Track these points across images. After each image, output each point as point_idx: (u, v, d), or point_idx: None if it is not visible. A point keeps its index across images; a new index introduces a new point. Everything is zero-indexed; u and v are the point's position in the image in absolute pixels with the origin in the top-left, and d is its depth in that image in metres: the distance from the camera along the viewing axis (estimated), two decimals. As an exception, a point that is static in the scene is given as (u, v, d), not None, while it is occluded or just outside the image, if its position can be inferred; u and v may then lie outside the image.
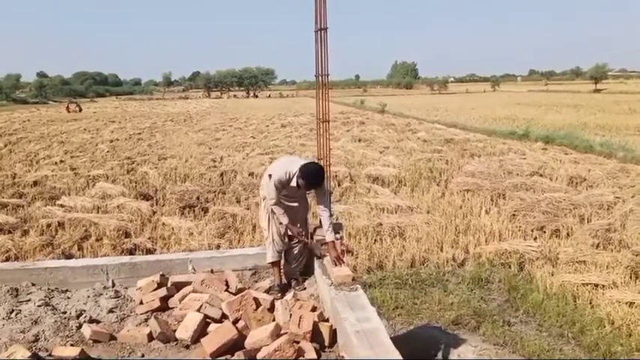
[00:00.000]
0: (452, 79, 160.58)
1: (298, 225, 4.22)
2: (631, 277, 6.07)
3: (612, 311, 5.23)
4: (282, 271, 4.31)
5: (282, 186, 4.03)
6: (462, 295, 5.97)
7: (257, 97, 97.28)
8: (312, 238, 4.30)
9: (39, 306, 3.79)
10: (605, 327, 5.01)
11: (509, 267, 6.66)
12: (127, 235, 8.08)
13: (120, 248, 7.41)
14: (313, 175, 4.01)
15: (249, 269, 4.60)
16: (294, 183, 4.02)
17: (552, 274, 6.19)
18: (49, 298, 3.98)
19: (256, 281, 4.49)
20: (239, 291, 3.93)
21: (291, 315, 3.57)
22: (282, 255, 4.27)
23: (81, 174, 12.80)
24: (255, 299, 3.74)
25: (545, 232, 7.79)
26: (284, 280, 4.30)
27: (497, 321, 5.31)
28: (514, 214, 8.58)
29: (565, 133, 19.26)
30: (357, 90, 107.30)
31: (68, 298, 4.09)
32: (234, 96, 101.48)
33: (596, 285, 5.80)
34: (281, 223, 4.15)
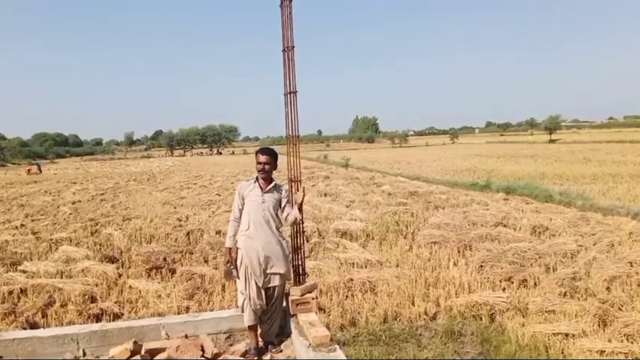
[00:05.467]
0: (412, 132, 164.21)
1: (258, 257, 4.20)
2: (599, 325, 6.17)
3: (584, 360, 5.29)
4: (258, 333, 4.27)
5: (244, 191, 4.28)
6: (435, 349, 5.96)
7: (221, 154, 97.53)
8: (286, 297, 4.29)
9: (7, 380, 3.65)
10: (578, 376, 5.05)
11: (481, 319, 6.70)
12: (93, 299, 7.85)
13: (86, 314, 7.19)
14: (266, 147, 4.53)
15: (224, 332, 4.54)
16: (254, 184, 4.40)
17: (523, 325, 6.25)
18: (18, 371, 3.84)
19: (231, 344, 4.43)
20: (215, 356, 3.88)
21: (269, 379, 3.53)
22: (259, 318, 4.24)
23: (43, 238, 12.48)
24: (233, 364, 3.69)
25: (513, 282, 7.90)
26: (260, 343, 4.26)
27: (472, 375, 5.31)
28: (481, 265, 8.69)
29: (525, 183, 19.77)
30: (320, 145, 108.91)
31: (37, 370, 3.96)
32: (201, 153, 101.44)
33: (567, 334, 5.87)
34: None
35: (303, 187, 4.82)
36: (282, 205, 4.47)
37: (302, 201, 4.70)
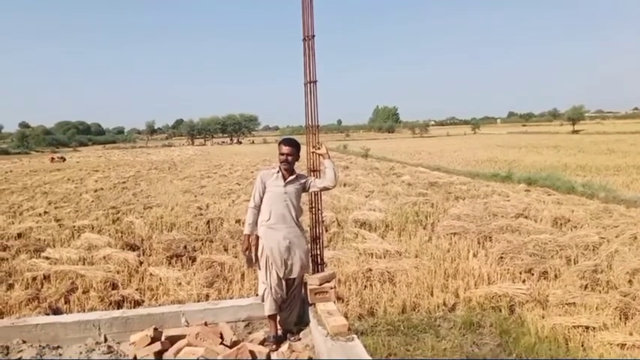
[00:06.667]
0: (432, 122, 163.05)
1: (279, 248, 4.22)
2: (620, 318, 6.10)
3: (605, 353, 5.24)
4: (277, 322, 4.30)
5: (266, 179, 4.30)
6: (454, 340, 5.94)
7: (241, 143, 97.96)
8: (305, 287, 4.31)
9: (31, 364, 3.73)
10: (598, 370, 5.01)
11: (500, 310, 6.66)
12: (115, 286, 7.95)
13: (108, 300, 7.28)
14: (289, 138, 4.53)
15: (243, 320, 4.57)
16: (277, 174, 4.40)
17: (543, 317, 6.20)
18: (41, 356, 3.92)
19: (250, 332, 4.47)
20: (234, 344, 3.90)
21: (287, 367, 3.56)
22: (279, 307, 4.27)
23: (66, 225, 12.66)
24: (251, 352, 3.72)
25: (533, 274, 7.83)
26: (279, 332, 4.28)
27: (491, 366, 5.29)
28: (502, 257, 8.62)
29: (547, 174, 19.55)
30: (340, 135, 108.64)
31: (60, 355, 4.03)
32: (223, 142, 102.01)
33: (587, 327, 5.81)
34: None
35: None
36: (310, 182, 4.55)
37: (324, 152, 4.76)
